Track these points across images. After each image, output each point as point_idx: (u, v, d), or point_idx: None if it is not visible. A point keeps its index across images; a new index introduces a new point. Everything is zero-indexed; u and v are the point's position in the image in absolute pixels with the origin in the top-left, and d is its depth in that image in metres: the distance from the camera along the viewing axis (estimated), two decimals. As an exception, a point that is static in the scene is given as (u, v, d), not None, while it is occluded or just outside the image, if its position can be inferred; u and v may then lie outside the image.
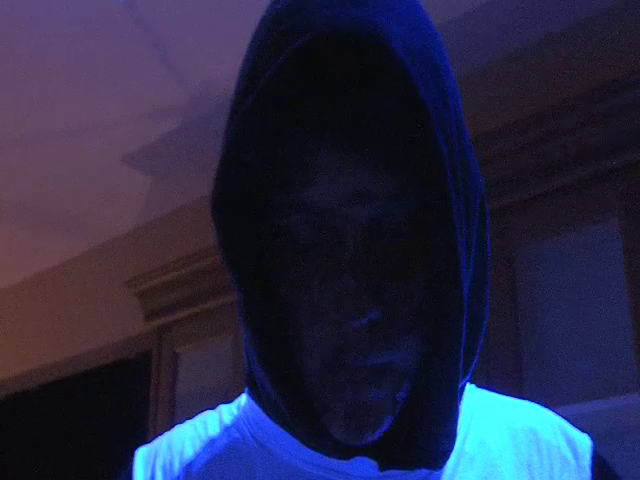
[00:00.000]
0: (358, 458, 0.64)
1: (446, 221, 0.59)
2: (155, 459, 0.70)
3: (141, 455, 0.72)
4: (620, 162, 1.81)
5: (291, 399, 0.62)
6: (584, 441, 0.72)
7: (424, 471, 0.65)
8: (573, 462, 0.70)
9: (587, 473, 0.70)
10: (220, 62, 2.51)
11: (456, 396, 0.62)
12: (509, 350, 1.88)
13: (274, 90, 0.59)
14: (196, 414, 0.77)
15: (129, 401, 3.41)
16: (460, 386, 0.66)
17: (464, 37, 2.36)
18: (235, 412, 0.74)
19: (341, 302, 0.59)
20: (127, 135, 2.88)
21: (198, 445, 0.71)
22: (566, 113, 1.90)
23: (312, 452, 0.66)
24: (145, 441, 0.77)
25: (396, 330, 0.61)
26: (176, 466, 0.69)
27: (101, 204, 3.33)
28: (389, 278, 0.61)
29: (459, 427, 0.68)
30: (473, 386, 0.74)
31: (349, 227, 0.61)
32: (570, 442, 0.71)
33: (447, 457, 0.63)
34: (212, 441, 0.71)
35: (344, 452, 0.63)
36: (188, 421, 0.75)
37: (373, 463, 0.64)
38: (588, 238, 1.88)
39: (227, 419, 0.73)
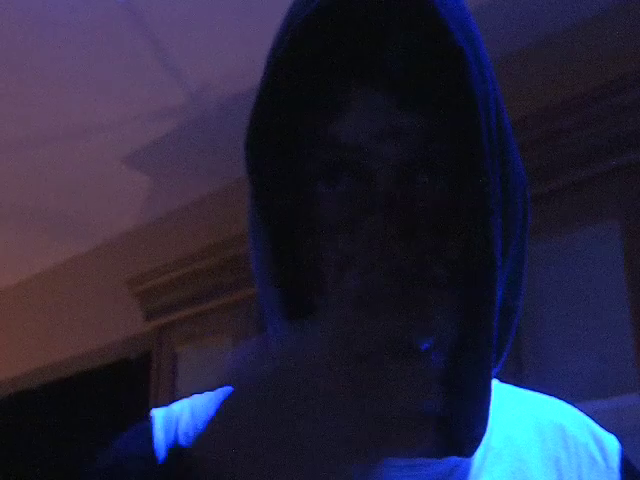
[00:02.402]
0: None
1: (478, 178, 0.57)
2: (177, 423, 0.67)
3: (160, 418, 0.68)
4: (620, 162, 1.81)
5: None
6: (612, 442, 0.70)
7: (453, 461, 0.63)
8: (602, 462, 0.68)
9: (616, 474, 0.68)
10: (220, 62, 2.51)
11: (489, 377, 0.59)
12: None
13: (309, 31, 0.59)
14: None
15: (129, 401, 3.41)
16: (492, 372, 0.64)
17: (464, 37, 2.36)
18: None
19: (369, 244, 0.56)
20: (127, 135, 2.88)
21: None
22: (566, 113, 1.90)
23: None
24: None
25: (427, 284, 0.57)
26: None
27: (101, 204, 3.33)
28: (421, 228, 0.57)
29: None
30: (497, 381, 0.72)
31: (380, 165, 0.58)
32: (598, 441, 0.70)
33: (478, 444, 0.60)
34: None
35: None
36: (206, 392, 0.71)
37: None
38: (588, 238, 1.88)
39: None
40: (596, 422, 0.72)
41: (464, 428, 0.60)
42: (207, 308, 2.69)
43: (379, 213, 0.56)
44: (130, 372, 3.33)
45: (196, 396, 0.72)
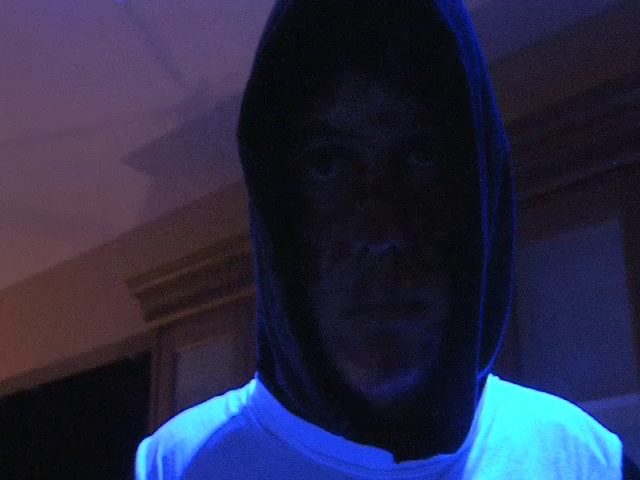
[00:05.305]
0: (372, 449, 0.60)
1: (469, 160, 0.57)
2: (156, 449, 0.68)
3: (144, 448, 0.69)
4: (620, 162, 1.81)
5: (313, 360, 0.59)
6: (614, 441, 0.69)
7: (442, 461, 0.62)
8: (603, 461, 0.67)
9: (618, 474, 0.66)
10: (220, 62, 2.51)
11: (473, 367, 0.58)
12: (509, 350, 1.88)
13: (297, 17, 0.59)
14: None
15: (129, 401, 3.41)
16: (483, 374, 0.63)
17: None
18: (243, 399, 0.70)
19: (362, 228, 0.57)
20: (127, 135, 2.88)
21: (201, 432, 0.68)
22: (566, 113, 1.90)
23: (325, 442, 0.63)
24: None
25: (420, 265, 0.58)
26: (177, 455, 0.66)
27: (101, 204, 3.33)
28: (413, 211, 0.58)
29: (482, 420, 0.66)
30: (496, 378, 0.71)
31: (372, 151, 0.59)
32: (599, 441, 0.68)
33: (463, 438, 0.59)
34: (216, 428, 0.68)
35: (361, 431, 0.59)
36: (194, 407, 0.72)
37: (388, 454, 0.60)
38: (588, 238, 1.89)
39: (234, 406, 0.70)
40: (596, 422, 0.72)
41: (447, 421, 0.59)
42: (207, 308, 2.69)
43: (371, 199, 0.57)
44: (130, 372, 3.33)
45: (182, 413, 0.72)
